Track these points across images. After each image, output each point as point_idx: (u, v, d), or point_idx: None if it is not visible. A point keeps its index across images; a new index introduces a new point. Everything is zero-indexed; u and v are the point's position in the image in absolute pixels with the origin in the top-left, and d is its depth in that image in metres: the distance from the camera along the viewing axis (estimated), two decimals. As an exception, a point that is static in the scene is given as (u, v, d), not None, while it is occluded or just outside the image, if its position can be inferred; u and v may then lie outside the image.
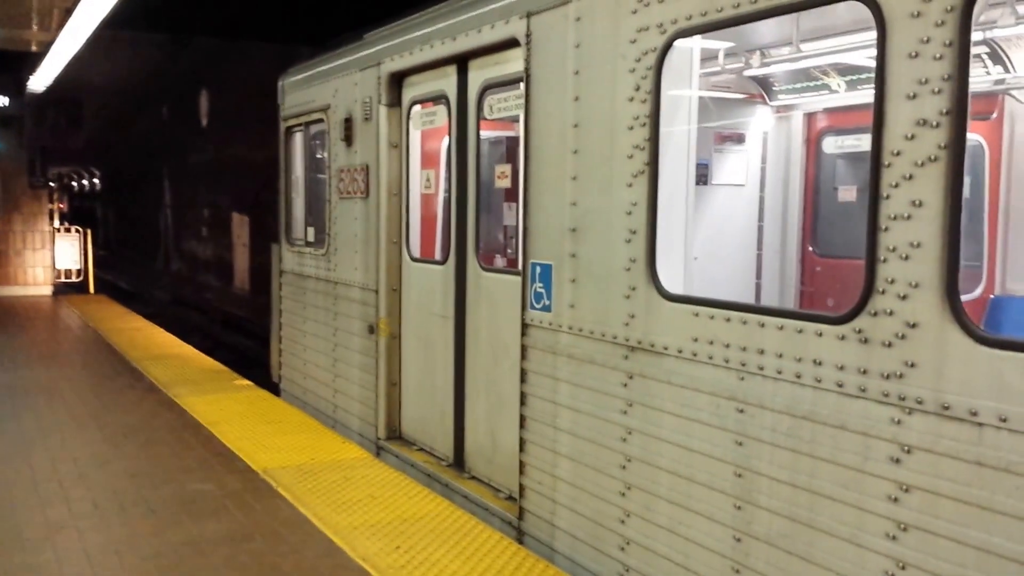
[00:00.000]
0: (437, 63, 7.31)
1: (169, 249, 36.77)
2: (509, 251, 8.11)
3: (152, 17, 18.25)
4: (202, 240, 31.22)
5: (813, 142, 8.25)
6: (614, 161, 5.15)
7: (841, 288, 7.74)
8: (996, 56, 6.44)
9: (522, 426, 6.04)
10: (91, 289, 22.98)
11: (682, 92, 5.08)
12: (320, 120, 9.56)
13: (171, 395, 10.47)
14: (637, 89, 4.96)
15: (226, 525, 6.30)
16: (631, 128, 5.01)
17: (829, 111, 8.05)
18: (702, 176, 7.75)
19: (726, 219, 8.05)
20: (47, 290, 22.28)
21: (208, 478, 7.33)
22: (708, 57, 6.88)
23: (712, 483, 4.53)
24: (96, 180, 55.25)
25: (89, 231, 23.57)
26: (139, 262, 40.76)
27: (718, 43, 6.71)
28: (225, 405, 9.98)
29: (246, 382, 11.38)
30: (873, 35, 3.74)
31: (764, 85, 8.10)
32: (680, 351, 4.70)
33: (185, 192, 33.78)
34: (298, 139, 10.55)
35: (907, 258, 3.57)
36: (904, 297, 3.59)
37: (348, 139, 8.71)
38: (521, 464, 6.07)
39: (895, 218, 3.60)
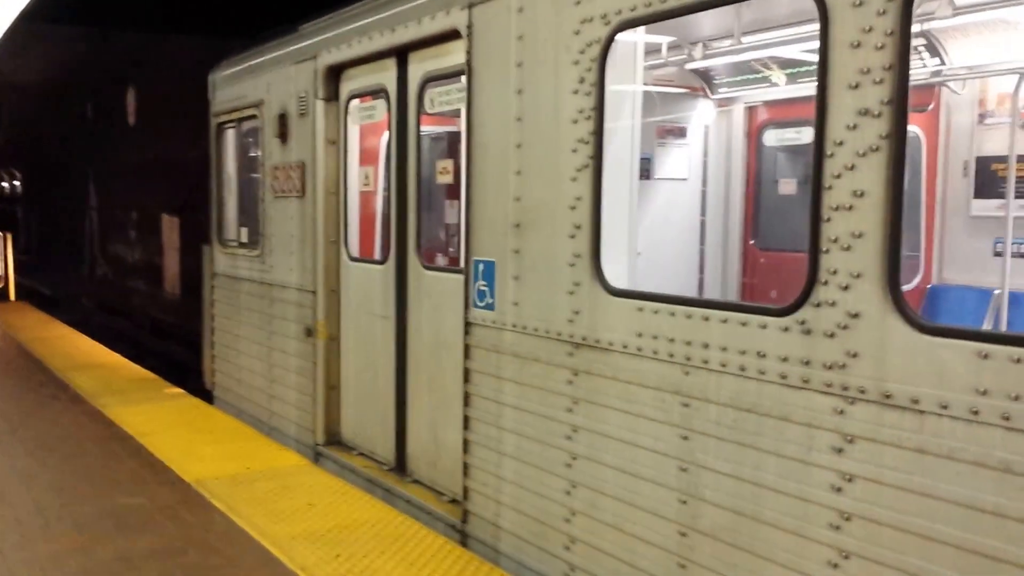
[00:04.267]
0: (376, 56, 7.30)
1: (95, 253, 36.11)
2: (452, 249, 8.14)
3: (74, 10, 17.95)
4: (130, 243, 30.72)
5: (754, 135, 8.42)
6: (558, 155, 5.20)
7: (783, 281, 7.90)
8: (933, 48, 6.63)
9: (466, 427, 6.07)
10: (11, 296, 22.53)
11: (626, 85, 5.15)
12: (253, 116, 9.48)
13: (98, 405, 10.30)
14: (581, 82, 5.01)
15: (158, 539, 6.23)
16: (575, 121, 5.06)
17: (769, 104, 8.22)
18: (645, 170, 7.86)
19: (669, 213, 8.17)
20: (-36, 298, 21.82)
21: (138, 491, 7.24)
22: (651, 50, 7.00)
23: (657, 478, 4.61)
24: (17, 182, 54.11)
25: (9, 235, 23.09)
26: (63, 267, 39.96)
27: (661, 36, 6.82)
28: (155, 415, 9.85)
29: (177, 390, 11.25)
30: (814, 27, 3.85)
31: (706, 78, 8.24)
32: (625, 346, 4.78)
33: (112, 193, 33.21)
34: (230, 136, 10.45)
35: (849, 248, 3.67)
36: (846, 287, 3.69)
37: (283, 135, 8.65)
38: (465, 466, 6.10)
39: (837, 208, 3.71)
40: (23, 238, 45.29)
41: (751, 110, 8.38)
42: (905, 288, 6.93)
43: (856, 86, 3.63)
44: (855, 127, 3.64)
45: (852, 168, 3.65)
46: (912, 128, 7.10)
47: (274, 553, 5.98)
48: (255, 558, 5.91)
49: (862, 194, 3.62)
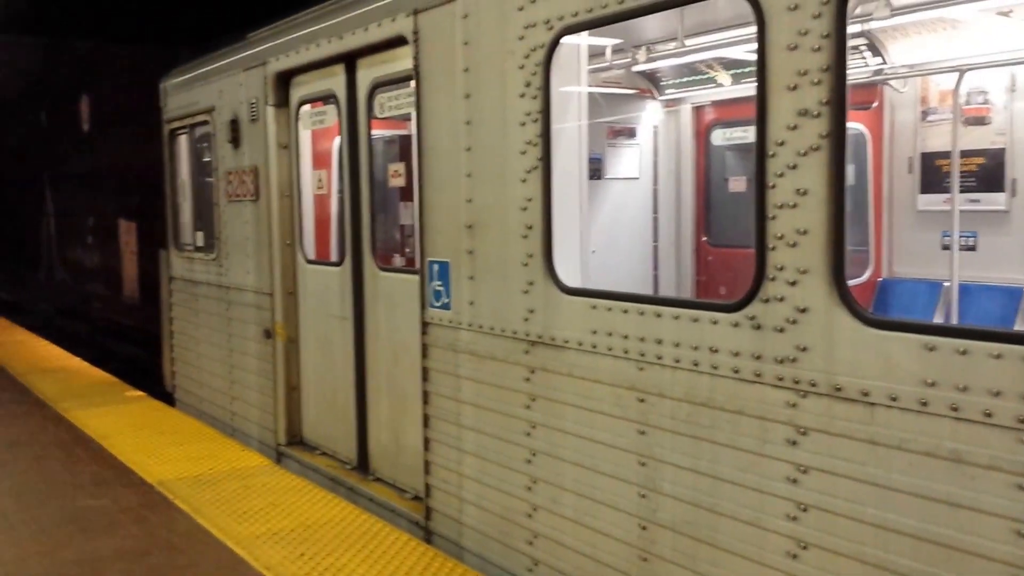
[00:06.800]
0: (324, 62, 7.19)
1: (53, 258, 35.42)
2: (408, 250, 8.04)
3: (26, 21, 17.53)
4: (88, 248, 30.17)
5: (702, 135, 8.41)
6: (507, 157, 5.13)
7: (734, 276, 7.89)
8: (873, 48, 6.64)
9: (426, 425, 5.98)
10: (-30, 303, 22.00)
11: (572, 88, 5.08)
12: (205, 122, 9.35)
13: (59, 409, 10.09)
14: (527, 85, 4.94)
15: (121, 541, 6.11)
16: (523, 124, 4.99)
17: (716, 104, 8.22)
18: (596, 170, 7.83)
19: (622, 212, 8.15)
20: (-78, 306, 21.25)
21: (101, 493, 7.09)
22: (596, 53, 6.93)
23: (616, 473, 4.54)
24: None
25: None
26: (21, 273, 39.18)
27: (605, 39, 6.76)
28: (117, 417, 9.67)
29: (138, 393, 11.06)
30: (753, 30, 3.79)
31: (653, 80, 8.21)
32: (580, 344, 4.71)
33: (68, 199, 32.59)
34: (183, 142, 10.32)
35: (795, 245, 3.63)
36: (794, 283, 3.65)
37: (235, 141, 8.53)
38: (426, 463, 6.01)
39: (782, 207, 3.66)
40: (-20, 245, 44.30)
41: (698, 110, 8.37)
42: (855, 282, 7.04)
43: (794, 87, 3.58)
44: (795, 127, 3.59)
45: (794, 167, 3.61)
46: (857, 126, 7.13)
47: (238, 553, 5.88)
48: (219, 558, 5.80)
49: (805, 192, 3.58)
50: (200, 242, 9.97)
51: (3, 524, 6.42)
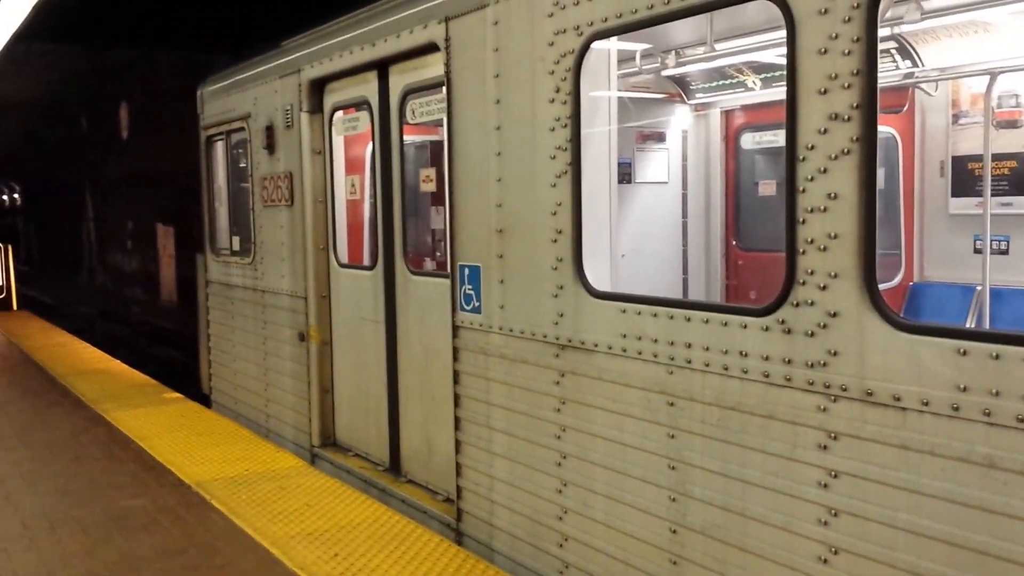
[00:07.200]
0: (357, 69, 7.22)
1: (93, 262, 35.88)
2: (438, 254, 8.06)
3: (65, 30, 17.77)
4: (127, 252, 30.51)
5: (732, 139, 8.36)
6: (537, 162, 5.13)
7: (764, 281, 7.83)
8: (904, 51, 6.57)
9: (457, 428, 5.98)
10: (14, 305, 22.30)
11: (601, 93, 5.07)
12: (241, 128, 9.41)
13: (99, 410, 10.19)
14: (557, 91, 4.94)
15: (159, 540, 6.16)
16: (553, 129, 4.99)
17: (746, 108, 8.16)
18: (625, 175, 7.80)
19: (651, 216, 8.11)
20: (-32, 308, 21.56)
21: (140, 493, 7.16)
22: (626, 58, 6.91)
23: (646, 476, 4.52)
24: (16, 195, 53.70)
25: (10, 247, 22.84)
26: (63, 276, 39.71)
27: (635, 44, 6.73)
28: (155, 419, 9.75)
29: (176, 395, 11.14)
30: (783, 34, 3.76)
31: (682, 84, 8.17)
32: (610, 347, 4.69)
33: (108, 204, 32.98)
34: (219, 148, 10.38)
35: (825, 249, 3.59)
36: (824, 287, 3.61)
37: (270, 147, 8.58)
38: (457, 465, 6.01)
39: (812, 211, 3.63)
40: (23, 249, 45.01)
41: (728, 114, 8.32)
42: (887, 286, 6.97)
43: (825, 91, 3.55)
44: (826, 131, 3.56)
45: (824, 171, 3.58)
46: (888, 129, 7.06)
47: (274, 553, 5.91)
48: (255, 558, 5.84)
49: (836, 196, 3.55)
50: (236, 247, 10.04)
51: (46, 523, 6.50)
